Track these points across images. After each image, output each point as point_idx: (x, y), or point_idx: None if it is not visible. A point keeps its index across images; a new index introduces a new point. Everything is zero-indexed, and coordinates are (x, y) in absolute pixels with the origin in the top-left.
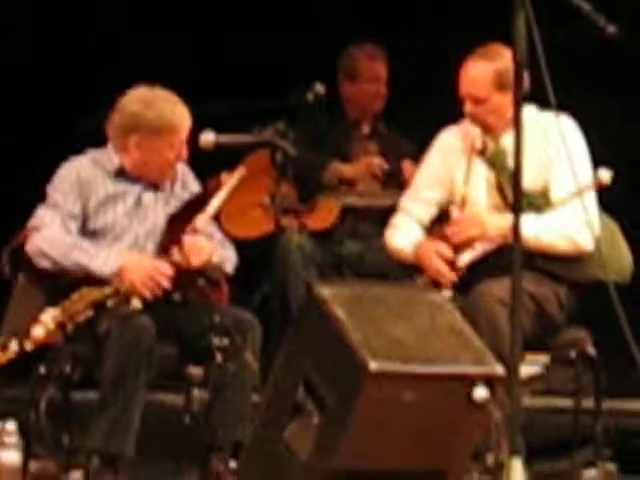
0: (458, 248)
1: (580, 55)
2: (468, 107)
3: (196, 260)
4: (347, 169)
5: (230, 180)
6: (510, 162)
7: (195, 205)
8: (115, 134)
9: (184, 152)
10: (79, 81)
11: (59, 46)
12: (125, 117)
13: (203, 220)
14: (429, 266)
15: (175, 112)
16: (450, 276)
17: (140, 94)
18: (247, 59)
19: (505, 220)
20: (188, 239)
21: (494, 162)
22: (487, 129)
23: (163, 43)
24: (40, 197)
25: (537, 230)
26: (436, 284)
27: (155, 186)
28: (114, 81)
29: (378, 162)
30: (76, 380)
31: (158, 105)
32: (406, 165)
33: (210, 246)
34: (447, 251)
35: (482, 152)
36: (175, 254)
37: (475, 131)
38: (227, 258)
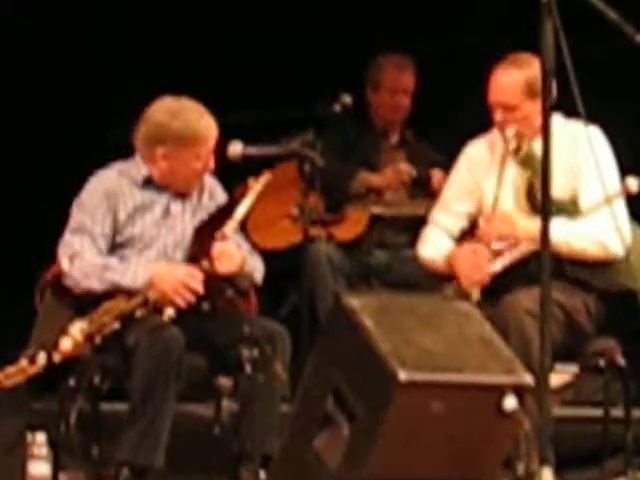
0: (491, 252)
1: (604, 64)
2: (498, 116)
3: (226, 267)
4: (375, 178)
5: (256, 185)
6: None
7: (223, 213)
8: (142, 145)
9: (211, 162)
10: (107, 92)
11: (87, 57)
12: (151, 128)
13: (231, 226)
14: (461, 268)
15: (201, 122)
16: (481, 278)
17: (166, 104)
18: (275, 69)
19: (535, 223)
20: (217, 246)
21: (527, 163)
22: (522, 138)
23: (191, 52)
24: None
25: (567, 234)
26: (466, 289)
27: (183, 196)
28: (141, 92)
29: (406, 169)
30: (105, 392)
31: (184, 115)
32: (435, 173)
33: (240, 254)
34: (481, 252)
35: (516, 152)
36: (204, 263)
37: (510, 132)
38: (255, 268)
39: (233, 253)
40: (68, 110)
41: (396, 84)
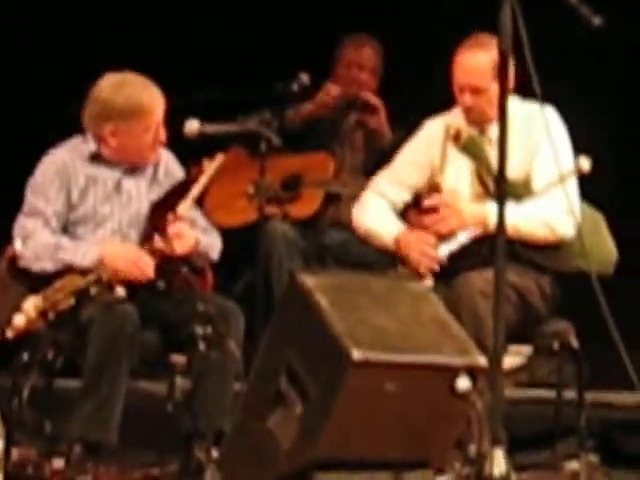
0: (438, 237)
1: (563, 47)
2: (467, 98)
3: (180, 248)
4: (306, 106)
5: (210, 166)
6: (489, 151)
7: (178, 192)
8: (90, 124)
9: (162, 134)
10: (68, 66)
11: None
12: (96, 106)
13: (185, 207)
14: (411, 256)
15: (144, 94)
16: (431, 265)
17: (109, 81)
18: (233, 48)
19: (482, 209)
20: (172, 227)
21: (468, 150)
22: (485, 120)
23: (149, 28)
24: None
25: (516, 219)
26: (418, 274)
27: (135, 171)
28: (105, 68)
29: (333, 90)
30: (58, 368)
31: (127, 89)
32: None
33: (194, 234)
34: (429, 240)
35: (455, 139)
36: (158, 242)
37: (453, 120)
38: (211, 245)
39: (186, 234)
40: (27, 86)
41: (353, 59)
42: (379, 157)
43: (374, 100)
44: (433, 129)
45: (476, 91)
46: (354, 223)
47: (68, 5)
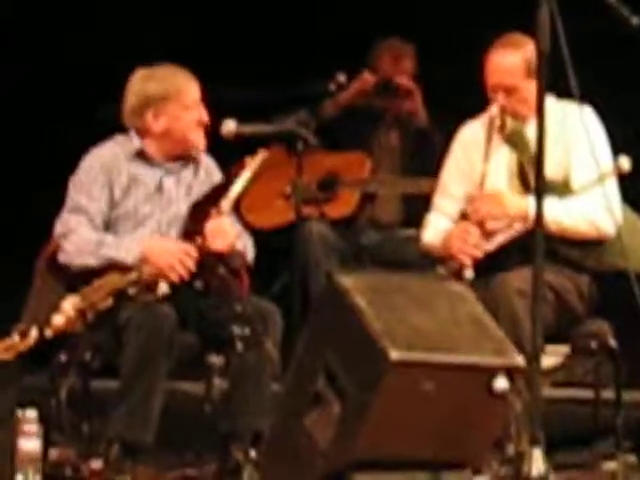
0: (480, 227)
1: (602, 47)
2: (500, 99)
3: (219, 244)
4: (343, 94)
5: (253, 163)
6: (532, 145)
7: (219, 191)
8: (131, 118)
9: (204, 114)
10: (99, 68)
11: (75, 35)
12: (133, 98)
13: (227, 203)
14: (452, 246)
15: (177, 75)
16: (473, 254)
17: (140, 73)
18: (268, 48)
19: (526, 201)
20: (212, 222)
21: (514, 140)
22: (518, 120)
23: (183, 28)
24: (64, 186)
25: (559, 213)
26: (459, 266)
27: (177, 171)
28: (132, 66)
29: (368, 76)
30: (96, 368)
31: (158, 75)
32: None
33: (234, 230)
34: (471, 230)
35: (501, 129)
36: (198, 241)
37: (494, 109)
38: (247, 248)
39: (227, 230)
40: (56, 90)
41: (390, 70)
42: (416, 137)
43: (409, 84)
44: (468, 134)
45: (508, 91)
46: (423, 245)
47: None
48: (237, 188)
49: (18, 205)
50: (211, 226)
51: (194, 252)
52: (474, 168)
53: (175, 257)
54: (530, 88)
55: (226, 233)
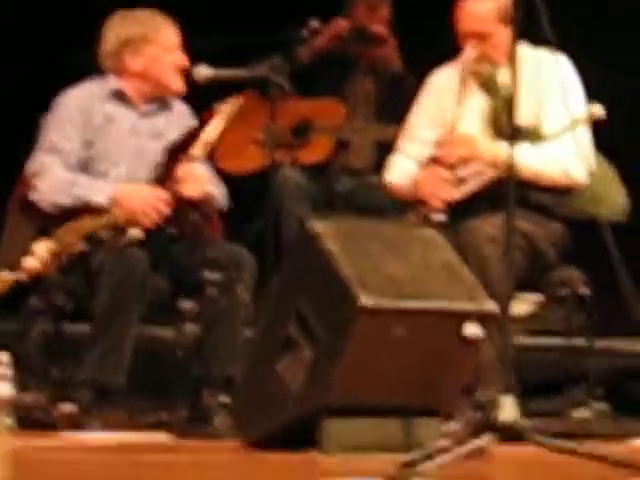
0: (450, 169)
1: None
2: (474, 45)
3: (192, 190)
4: (316, 41)
5: (225, 108)
6: (504, 91)
7: (191, 137)
8: (109, 59)
9: (184, 58)
10: (67, 15)
11: None
12: (112, 39)
13: (199, 148)
14: (424, 190)
15: (156, 18)
16: (444, 197)
17: (117, 16)
18: None
19: (498, 146)
20: (184, 168)
21: (487, 85)
22: (492, 66)
23: None
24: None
25: (530, 158)
26: (427, 220)
27: (151, 114)
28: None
29: (341, 22)
30: (68, 312)
31: (137, 18)
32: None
33: (206, 174)
34: (442, 173)
35: (475, 74)
36: (171, 186)
37: (469, 54)
38: (218, 193)
39: (199, 175)
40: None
41: (365, 20)
42: (390, 84)
43: (382, 31)
44: (441, 80)
45: (481, 37)
46: (383, 185)
47: None
48: (209, 134)
49: None
50: (183, 171)
51: (167, 197)
52: (444, 113)
53: (148, 202)
54: (503, 34)
55: (198, 178)
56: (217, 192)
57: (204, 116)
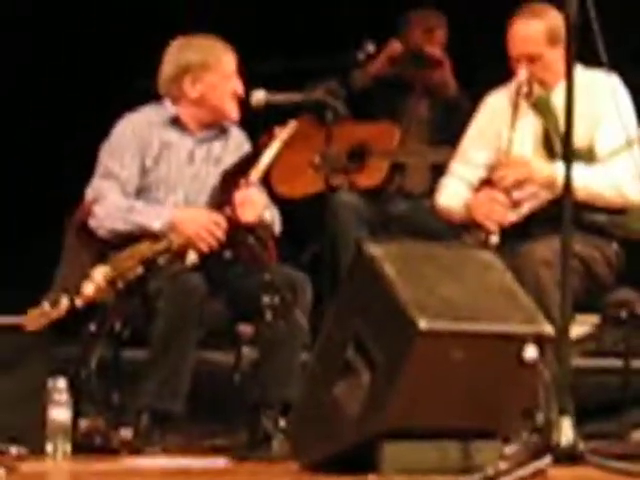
0: (506, 193)
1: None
2: (525, 67)
3: (249, 215)
4: (373, 64)
5: (282, 133)
6: (558, 113)
7: (248, 162)
8: (168, 84)
9: (239, 85)
10: (133, 41)
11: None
12: (171, 66)
13: (256, 174)
14: (478, 213)
15: (215, 45)
16: (499, 220)
17: (178, 43)
18: (298, 18)
19: (553, 167)
20: (241, 193)
21: (540, 107)
22: (544, 88)
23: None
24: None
25: (586, 179)
26: (485, 233)
27: (208, 141)
28: (166, 38)
29: (397, 45)
30: (126, 338)
31: (197, 44)
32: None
33: (263, 200)
34: (497, 196)
35: (528, 96)
36: (227, 211)
37: (522, 76)
38: (274, 218)
39: (255, 200)
40: (95, 60)
41: (422, 43)
42: (445, 107)
43: (438, 54)
44: (494, 102)
45: (532, 59)
46: (435, 206)
47: None
48: (266, 159)
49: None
50: (240, 196)
51: (223, 222)
52: (498, 136)
53: (205, 227)
54: (554, 56)
55: (255, 203)
56: (273, 217)
57: (261, 141)
